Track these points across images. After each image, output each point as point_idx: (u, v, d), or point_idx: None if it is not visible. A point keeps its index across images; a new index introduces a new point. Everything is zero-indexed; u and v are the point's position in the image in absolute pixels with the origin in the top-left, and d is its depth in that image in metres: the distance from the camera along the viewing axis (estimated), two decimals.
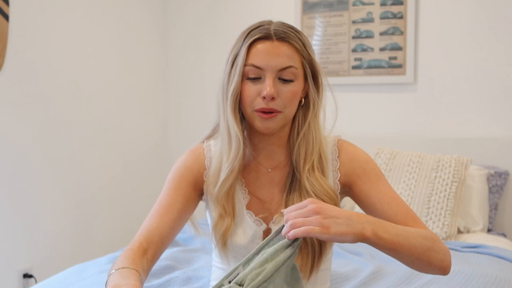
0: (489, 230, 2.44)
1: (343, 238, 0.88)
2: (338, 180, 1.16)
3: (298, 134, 1.15)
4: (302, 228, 0.86)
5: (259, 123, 1.10)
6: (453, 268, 1.74)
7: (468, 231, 2.36)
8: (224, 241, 1.14)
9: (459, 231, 2.34)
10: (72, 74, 2.80)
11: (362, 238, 0.90)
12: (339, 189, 1.17)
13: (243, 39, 1.10)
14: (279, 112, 1.09)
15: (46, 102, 2.65)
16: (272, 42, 1.08)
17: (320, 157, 1.15)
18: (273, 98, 1.07)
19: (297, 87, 1.10)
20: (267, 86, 1.06)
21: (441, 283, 1.62)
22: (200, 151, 1.21)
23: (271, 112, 1.08)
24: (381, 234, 0.92)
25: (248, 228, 1.14)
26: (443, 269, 1.03)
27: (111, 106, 3.08)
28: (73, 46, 2.80)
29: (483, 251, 1.99)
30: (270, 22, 1.12)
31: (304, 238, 1.02)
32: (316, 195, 1.11)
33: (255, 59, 1.08)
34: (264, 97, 1.07)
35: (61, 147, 2.74)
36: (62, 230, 2.76)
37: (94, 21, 2.94)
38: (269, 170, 1.17)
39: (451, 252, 1.99)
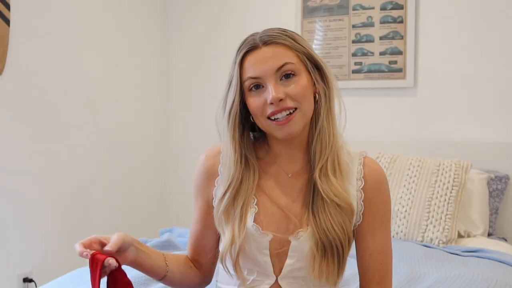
0: (489, 235, 2.43)
1: None
2: (362, 201, 1.11)
3: (315, 129, 1.11)
4: None
5: (278, 132, 1.07)
6: (453, 273, 1.74)
7: (468, 235, 2.35)
8: (223, 255, 1.12)
9: (460, 235, 2.34)
10: (73, 78, 2.81)
11: None
12: (362, 210, 1.11)
13: (234, 59, 1.11)
14: (295, 109, 1.06)
15: (46, 105, 2.66)
16: (260, 49, 1.07)
17: (338, 161, 1.10)
18: (281, 100, 1.05)
19: (302, 80, 1.07)
20: (270, 91, 1.05)
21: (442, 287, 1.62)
22: (214, 157, 1.18)
23: (287, 113, 1.05)
24: None
25: (252, 241, 1.10)
26: None
27: (112, 109, 3.08)
28: (74, 50, 2.81)
29: (483, 255, 1.98)
30: (255, 33, 1.11)
31: (330, 243, 1.06)
32: (331, 199, 1.07)
33: (249, 71, 1.07)
34: (272, 103, 1.05)
35: (62, 150, 2.75)
36: (62, 234, 2.76)
37: (94, 25, 2.95)
38: (289, 175, 1.14)
39: (452, 256, 2.00)
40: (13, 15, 2.45)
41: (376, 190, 1.12)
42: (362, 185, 1.11)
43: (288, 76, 1.07)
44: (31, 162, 2.58)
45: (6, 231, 2.47)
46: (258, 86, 1.08)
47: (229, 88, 1.11)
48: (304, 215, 1.09)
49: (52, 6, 2.68)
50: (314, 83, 1.11)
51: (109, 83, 3.07)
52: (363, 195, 1.11)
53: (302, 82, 1.07)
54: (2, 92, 2.44)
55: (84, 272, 1.79)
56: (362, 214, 1.11)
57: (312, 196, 1.09)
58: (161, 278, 1.15)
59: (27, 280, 2.55)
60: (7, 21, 2.42)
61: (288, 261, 1.09)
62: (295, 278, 1.10)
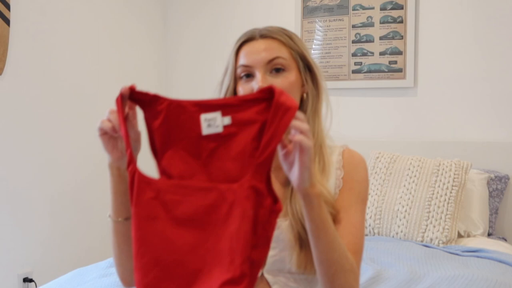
0: (489, 234, 2.43)
1: (304, 175, 0.91)
2: (340, 190, 1.14)
3: None
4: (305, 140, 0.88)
5: None
6: (453, 273, 1.74)
7: (468, 235, 2.36)
8: None
9: (460, 235, 2.34)
10: (73, 78, 2.81)
11: (308, 189, 0.93)
12: (340, 187, 1.15)
13: (232, 48, 1.15)
14: None
15: (46, 106, 2.66)
16: (256, 41, 1.13)
17: (322, 158, 1.14)
18: None
19: (290, 77, 1.12)
20: (257, 80, 1.09)
21: None
22: None
23: None
24: (322, 205, 0.96)
25: None
26: None
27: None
28: (74, 50, 2.81)
29: (483, 255, 1.98)
30: (257, 27, 1.17)
31: (307, 233, 1.03)
32: None
33: (243, 59, 1.12)
34: None
35: (61, 151, 2.75)
36: (62, 234, 2.76)
37: (94, 25, 2.95)
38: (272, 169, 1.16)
39: (452, 256, 1.99)
40: (13, 15, 2.46)
41: (353, 169, 1.16)
42: (342, 175, 1.15)
43: (278, 70, 1.11)
44: (30, 162, 2.58)
45: (6, 231, 2.47)
46: (249, 75, 1.12)
47: (225, 75, 1.16)
48: (284, 207, 1.10)
49: (52, 6, 2.68)
50: (303, 83, 1.15)
51: (109, 83, 3.07)
52: (342, 184, 1.14)
53: (290, 79, 1.12)
54: (2, 92, 2.44)
55: (84, 272, 1.79)
56: (339, 191, 1.14)
57: (292, 188, 1.11)
58: (124, 219, 1.05)
59: (27, 280, 2.55)
60: (7, 21, 2.42)
61: (270, 252, 1.09)
62: (280, 271, 1.11)
